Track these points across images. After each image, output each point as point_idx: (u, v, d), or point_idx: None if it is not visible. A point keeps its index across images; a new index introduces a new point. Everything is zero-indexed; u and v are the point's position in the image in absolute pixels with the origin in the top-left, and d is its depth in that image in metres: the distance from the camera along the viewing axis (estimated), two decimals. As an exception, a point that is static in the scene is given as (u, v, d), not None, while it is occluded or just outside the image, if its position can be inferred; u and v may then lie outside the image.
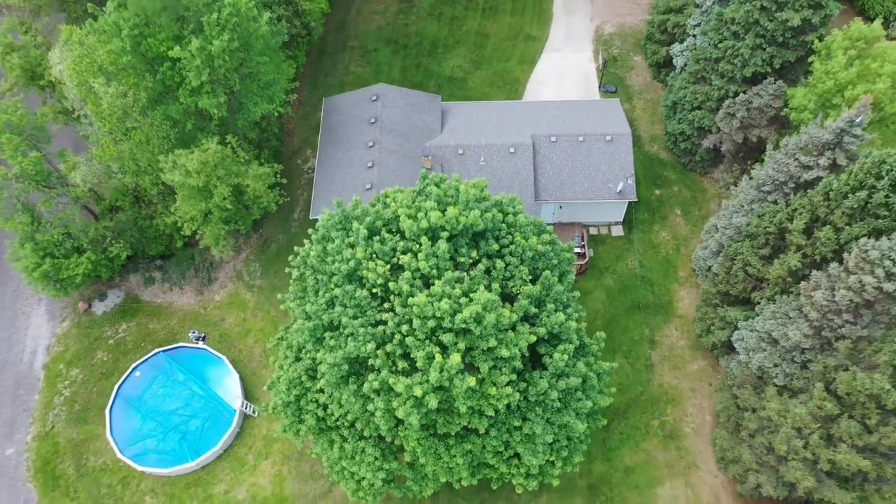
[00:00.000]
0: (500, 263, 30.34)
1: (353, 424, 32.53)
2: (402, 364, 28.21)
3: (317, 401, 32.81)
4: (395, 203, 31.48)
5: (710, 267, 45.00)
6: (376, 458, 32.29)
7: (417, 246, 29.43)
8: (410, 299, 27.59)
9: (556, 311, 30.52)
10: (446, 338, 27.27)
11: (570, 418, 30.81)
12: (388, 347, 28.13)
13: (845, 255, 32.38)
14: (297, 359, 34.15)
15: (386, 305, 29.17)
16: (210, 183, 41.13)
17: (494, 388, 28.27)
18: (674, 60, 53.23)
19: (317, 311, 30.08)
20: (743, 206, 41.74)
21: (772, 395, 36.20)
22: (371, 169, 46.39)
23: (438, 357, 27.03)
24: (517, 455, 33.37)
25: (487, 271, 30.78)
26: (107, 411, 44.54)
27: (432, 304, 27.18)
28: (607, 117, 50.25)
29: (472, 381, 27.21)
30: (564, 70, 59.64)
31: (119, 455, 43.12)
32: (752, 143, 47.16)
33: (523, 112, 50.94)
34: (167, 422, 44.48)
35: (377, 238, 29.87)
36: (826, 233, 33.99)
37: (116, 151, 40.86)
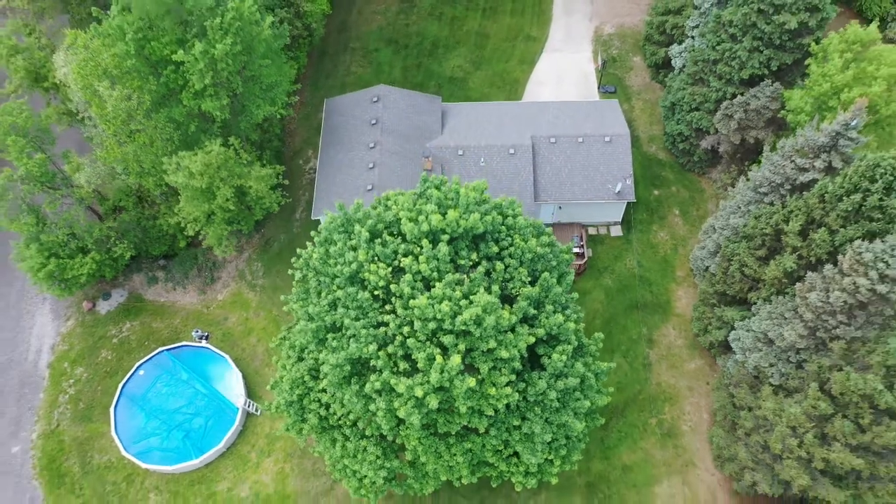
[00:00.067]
0: (499, 265, 30.81)
1: (355, 424, 33.07)
2: (403, 365, 28.73)
3: (319, 400, 33.33)
4: (397, 206, 31.94)
5: (707, 267, 45.49)
6: (378, 457, 32.83)
7: (418, 249, 29.90)
8: (412, 301, 28.10)
9: (554, 312, 31.02)
10: (447, 339, 27.78)
11: (569, 418, 31.33)
12: (390, 349, 28.63)
13: (840, 257, 32.86)
14: (300, 359, 34.68)
15: (387, 307, 29.68)
16: (213, 184, 41.62)
17: (494, 389, 28.80)
18: (672, 61, 53.66)
19: (319, 312, 30.59)
20: (740, 208, 42.21)
21: (767, 394, 36.74)
22: (372, 170, 46.86)
23: (439, 358, 27.54)
24: (516, 454, 33.92)
25: (487, 273, 31.25)
26: (111, 409, 45.10)
27: (433, 307, 27.68)
28: (606, 118, 50.69)
29: (472, 381, 27.74)
30: (564, 70, 60.05)
31: (124, 453, 43.73)
32: (749, 144, 47.64)
33: (523, 113, 51.39)
34: (171, 420, 45.05)
35: (379, 241, 30.35)
36: (821, 235, 34.49)
37: (121, 153, 41.37)
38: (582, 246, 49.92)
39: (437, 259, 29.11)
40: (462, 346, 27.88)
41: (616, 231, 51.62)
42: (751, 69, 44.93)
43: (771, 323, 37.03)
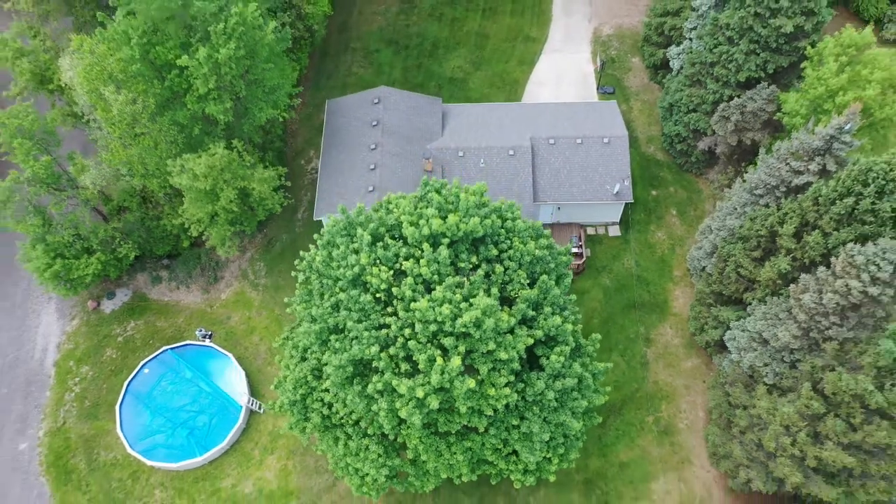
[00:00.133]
0: (499, 268, 31.46)
1: (357, 423, 33.77)
2: (404, 366, 29.40)
3: (322, 400, 34.04)
4: (398, 209, 32.55)
5: (704, 267, 46.12)
6: (380, 455, 33.53)
7: (419, 252, 30.54)
8: (413, 304, 28.75)
9: (553, 314, 31.68)
10: (447, 341, 28.44)
11: (566, 417, 32.02)
12: (392, 350, 29.29)
13: (833, 259, 33.49)
14: (303, 359, 35.37)
15: (389, 309, 30.33)
16: (217, 186, 42.23)
17: (493, 389, 29.49)
18: (670, 63, 54.20)
19: (322, 314, 31.24)
20: (736, 209, 42.81)
21: (762, 393, 37.43)
22: (373, 171, 47.44)
23: (440, 360, 28.22)
24: (515, 452, 34.64)
25: (487, 275, 31.88)
26: (117, 407, 45.80)
27: (434, 309, 28.33)
28: (605, 119, 51.26)
29: (471, 382, 28.43)
30: (563, 71, 60.56)
31: (129, 450, 44.44)
32: (746, 145, 48.21)
33: (522, 114, 51.96)
34: (176, 418, 45.76)
35: (380, 244, 31.00)
36: (815, 237, 35.10)
37: (125, 156, 41.98)
38: (581, 246, 50.57)
39: (438, 262, 29.75)
40: (462, 348, 28.53)
41: (614, 231, 52.25)
42: (747, 72, 45.49)
43: (765, 323, 37.68)
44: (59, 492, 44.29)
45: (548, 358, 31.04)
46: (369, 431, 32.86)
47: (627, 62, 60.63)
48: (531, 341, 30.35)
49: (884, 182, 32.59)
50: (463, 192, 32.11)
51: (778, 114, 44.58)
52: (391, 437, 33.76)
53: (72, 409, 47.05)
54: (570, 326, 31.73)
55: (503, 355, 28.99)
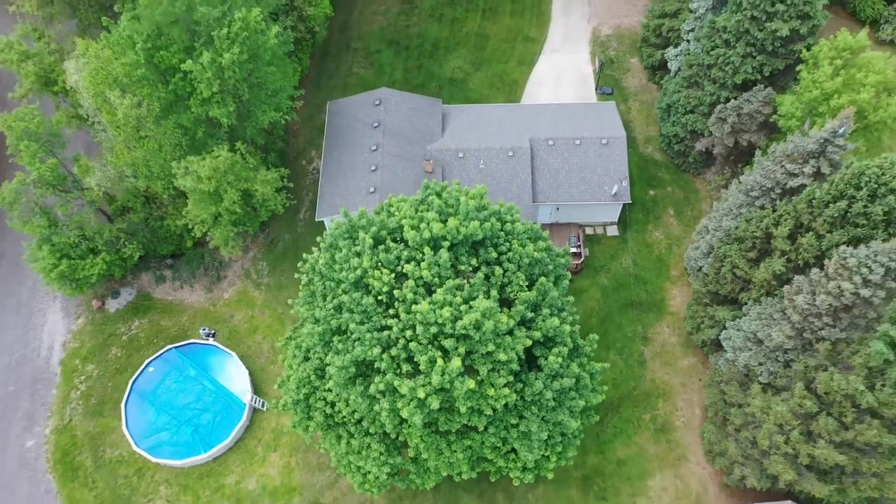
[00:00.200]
0: (498, 270, 32.11)
1: (359, 422, 34.46)
2: (406, 367, 30.10)
3: (325, 399, 34.72)
4: (399, 213, 33.20)
5: (700, 267, 46.76)
6: (381, 454, 34.26)
7: (420, 255, 31.20)
8: (414, 306, 29.42)
9: (551, 315, 32.34)
10: (447, 343, 29.11)
11: (564, 416, 32.72)
12: (393, 351, 29.99)
13: (826, 261, 34.12)
14: (306, 358, 36.06)
15: (391, 311, 31.00)
16: (220, 188, 42.87)
17: (493, 390, 30.19)
18: (668, 64, 54.75)
19: (325, 316, 31.92)
20: (732, 210, 43.42)
21: (756, 392, 38.13)
22: (374, 172, 48.04)
23: (440, 361, 28.91)
24: (514, 450, 35.38)
25: (486, 278, 32.55)
26: (122, 405, 46.52)
27: (434, 312, 29.00)
28: (603, 120, 51.84)
29: (471, 383, 29.14)
30: (562, 71, 61.08)
31: (134, 447, 45.16)
32: (742, 146, 48.79)
33: (521, 115, 52.54)
34: (180, 415, 46.48)
35: (382, 247, 31.66)
36: (808, 239, 35.76)
37: (130, 158, 42.59)
38: (579, 245, 51.22)
39: (439, 265, 30.40)
40: (462, 350, 29.21)
41: (612, 231, 52.89)
42: (744, 74, 46.05)
43: (760, 323, 38.37)
44: (66, 488, 45.04)
45: (546, 358, 31.73)
46: (371, 430, 33.54)
47: (626, 63, 61.16)
48: (530, 342, 31.05)
49: (876, 186, 33.24)
50: (463, 196, 32.74)
51: (774, 116, 45.16)
52: (393, 436, 34.45)
53: (78, 407, 47.76)
54: (567, 327, 32.40)
55: (502, 356, 29.67)
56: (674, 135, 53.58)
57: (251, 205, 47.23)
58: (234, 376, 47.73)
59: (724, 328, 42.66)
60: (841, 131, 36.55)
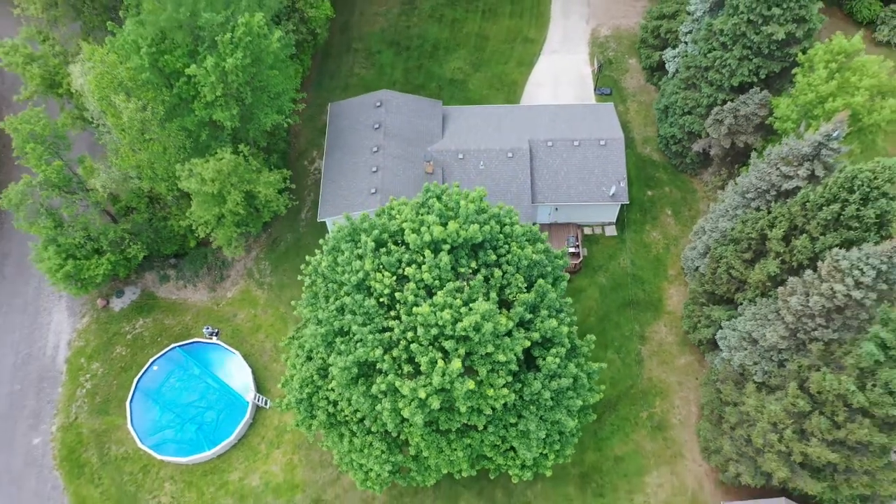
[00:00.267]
0: (497, 272, 32.77)
1: (361, 420, 35.16)
2: (407, 368, 30.80)
3: (327, 398, 35.43)
4: (400, 216, 33.85)
5: (697, 267, 47.41)
6: (383, 452, 34.98)
7: (421, 258, 31.86)
8: (415, 308, 30.09)
9: (549, 316, 33.02)
10: (448, 344, 29.81)
11: (562, 415, 33.42)
12: (395, 352, 30.69)
13: (819, 263, 34.75)
14: (309, 358, 36.77)
15: (392, 313, 31.71)
16: (224, 190, 43.50)
17: (492, 390, 30.90)
18: (666, 65, 55.27)
19: (328, 317, 32.60)
20: (728, 211, 44.02)
21: (751, 391, 38.81)
22: (376, 174, 48.64)
23: (441, 362, 29.59)
24: (513, 448, 36.08)
25: (486, 280, 33.22)
26: (127, 403, 47.22)
27: (435, 314, 29.68)
28: (602, 122, 52.41)
29: (471, 384, 29.85)
30: (561, 72, 61.61)
31: (140, 444, 45.91)
32: (739, 148, 49.34)
33: (521, 116, 53.13)
34: (184, 413, 47.22)
35: (384, 250, 32.33)
36: (802, 241, 36.39)
37: (135, 160, 43.24)
38: (578, 245, 51.85)
39: (439, 268, 31.07)
40: (462, 351, 29.90)
41: (610, 231, 53.52)
42: (740, 77, 46.61)
43: (755, 324, 39.02)
44: (73, 485, 45.80)
45: (544, 359, 32.41)
46: (373, 429, 34.27)
47: (624, 63, 61.69)
48: (528, 343, 31.74)
49: (868, 189, 33.80)
50: (463, 200, 33.37)
51: (770, 118, 45.74)
52: (394, 435, 35.14)
53: (83, 405, 48.49)
54: (565, 329, 33.11)
55: (501, 357, 30.37)
56: (671, 136, 54.17)
57: (254, 206, 47.85)
58: (238, 374, 48.45)
59: (720, 328, 43.31)
60: (835, 135, 37.14)
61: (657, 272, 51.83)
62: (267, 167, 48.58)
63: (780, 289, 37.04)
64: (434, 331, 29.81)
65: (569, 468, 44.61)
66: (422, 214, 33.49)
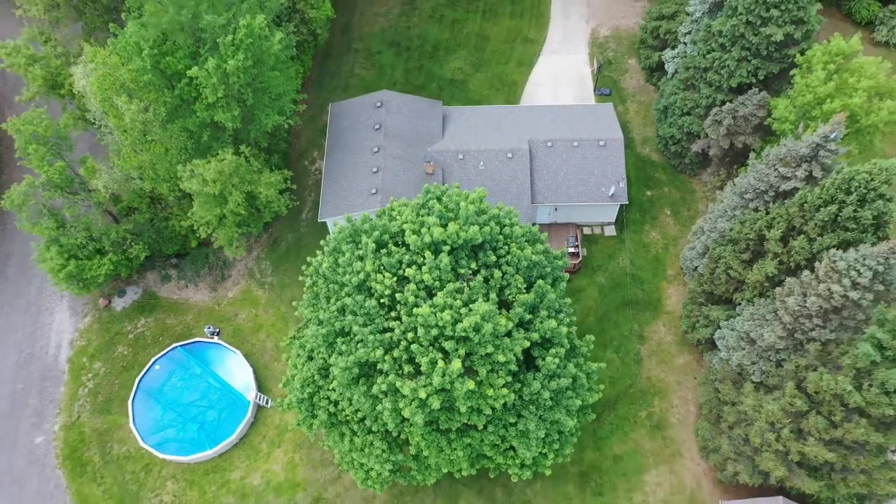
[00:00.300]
0: (497, 273, 33.01)
1: (362, 420, 35.43)
2: (407, 368, 31.08)
3: (329, 398, 35.69)
4: (401, 217, 34.11)
5: (696, 267, 47.67)
6: (384, 451, 35.26)
7: (421, 259, 32.11)
8: (415, 309, 30.34)
9: (548, 317, 33.26)
10: (448, 345, 30.08)
11: (561, 415, 33.70)
12: (395, 353, 30.97)
13: (817, 264, 35.04)
14: (310, 358, 37.03)
15: (393, 314, 31.98)
16: (225, 190, 43.76)
17: (492, 390, 31.18)
18: (665, 66, 55.48)
19: (329, 318, 32.86)
20: (727, 212, 44.28)
21: (749, 390, 39.09)
22: (376, 174, 48.88)
23: (441, 362, 29.86)
24: (513, 448, 36.35)
25: (486, 280, 33.47)
26: (129, 402, 47.50)
27: (435, 315, 29.93)
28: (601, 122, 52.64)
29: (471, 384, 30.12)
30: (561, 72, 61.84)
31: (141, 443, 46.22)
32: (737, 148, 49.60)
33: (521, 117, 53.36)
34: (186, 412, 47.51)
35: (384, 251, 32.58)
36: (800, 242, 36.67)
37: (137, 161, 43.50)
38: (577, 245, 52.10)
39: (439, 269, 31.32)
40: (462, 351, 30.17)
41: (610, 231, 53.78)
42: (739, 78, 46.85)
43: (753, 324, 39.29)
44: (75, 483, 46.10)
45: (543, 359, 32.67)
46: (374, 428, 34.54)
47: (624, 63, 61.90)
48: (528, 344, 32.00)
49: (865, 191, 34.07)
50: (463, 201, 33.60)
51: (768, 119, 45.98)
52: (394, 434, 35.40)
53: (85, 404, 48.78)
54: (564, 329, 33.38)
55: (501, 358, 30.64)
56: (670, 136, 54.40)
57: (255, 206, 48.11)
58: (239, 374, 48.73)
59: (719, 328, 43.59)
60: (832, 136, 37.41)
61: (656, 272, 52.09)
62: (268, 167, 48.85)
63: (778, 289, 37.34)
64: (434, 331, 30.07)
65: (568, 467, 44.90)
66: (422, 216, 33.74)
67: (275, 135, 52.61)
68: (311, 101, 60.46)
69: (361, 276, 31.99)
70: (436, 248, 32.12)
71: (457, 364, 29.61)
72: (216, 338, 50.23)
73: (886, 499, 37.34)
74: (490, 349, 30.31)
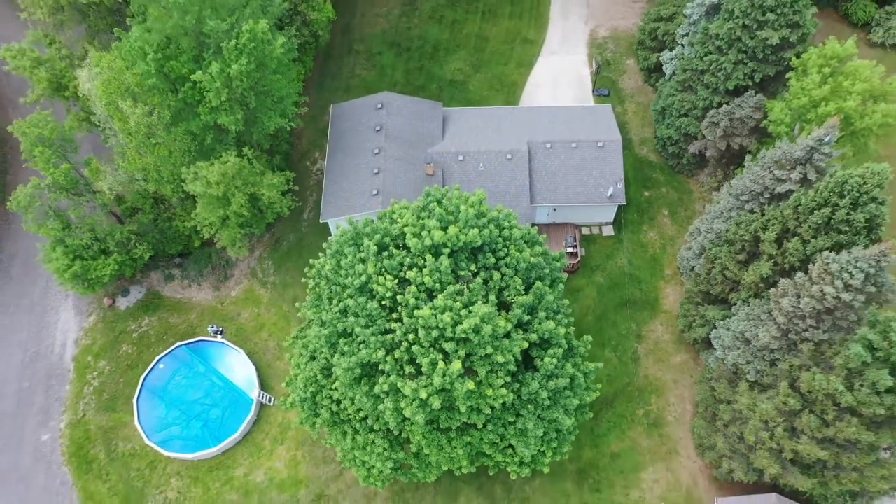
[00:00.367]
0: (496, 275, 33.66)
1: (364, 419, 36.14)
2: (408, 369, 31.77)
3: (331, 397, 36.39)
4: (401, 220, 34.74)
5: (693, 267, 48.29)
6: (385, 449, 35.97)
7: (422, 261, 32.74)
8: (416, 311, 31.01)
9: (546, 318, 33.90)
10: (448, 346, 30.75)
11: (559, 414, 34.40)
12: (397, 354, 31.64)
13: (810, 265, 35.70)
14: (313, 358, 37.72)
15: (394, 315, 32.64)
16: (228, 192, 44.37)
17: (491, 390, 31.87)
18: (663, 67, 56.02)
19: (331, 319, 33.52)
20: (723, 213, 44.92)
21: (744, 389, 39.78)
22: (377, 175, 49.47)
23: (441, 363, 30.53)
24: (511, 446, 37.07)
25: (485, 282, 34.10)
26: (134, 401, 48.21)
27: (436, 317, 30.58)
28: (599, 124, 53.21)
29: (471, 384, 30.81)
30: (560, 73, 62.36)
31: (146, 441, 46.94)
32: (734, 150, 50.15)
33: (520, 118, 53.92)
34: (190, 410, 48.21)
35: (386, 254, 33.23)
36: (794, 244, 37.30)
37: (142, 163, 44.13)
38: (576, 246, 52.71)
39: (439, 271, 31.95)
40: (462, 352, 30.85)
41: (608, 231, 54.40)
42: (735, 80, 47.43)
43: (748, 324, 39.96)
44: (81, 480, 46.83)
45: (542, 359, 33.36)
46: (375, 427, 35.26)
47: (622, 64, 62.43)
48: (526, 345, 32.65)
49: (857, 194, 34.73)
50: (463, 205, 34.19)
51: (764, 121, 46.54)
52: (396, 433, 36.02)
53: (91, 402, 49.47)
54: (562, 330, 34.02)
55: (500, 358, 31.32)
56: (668, 137, 54.98)
57: (258, 207, 48.75)
58: (242, 372, 49.40)
59: (715, 327, 44.23)
60: (826, 139, 38.01)
61: (654, 272, 52.73)
62: (270, 169, 49.44)
63: (773, 290, 37.98)
64: (435, 333, 30.73)
65: (566, 464, 45.60)
66: (423, 219, 34.34)
67: (277, 136, 53.20)
68: (312, 101, 60.98)
69: (363, 278, 32.64)
70: (436, 251, 32.75)
71: (457, 365, 30.29)
72: (219, 336, 50.90)
73: (878, 496, 38.10)
74: (489, 350, 30.97)
